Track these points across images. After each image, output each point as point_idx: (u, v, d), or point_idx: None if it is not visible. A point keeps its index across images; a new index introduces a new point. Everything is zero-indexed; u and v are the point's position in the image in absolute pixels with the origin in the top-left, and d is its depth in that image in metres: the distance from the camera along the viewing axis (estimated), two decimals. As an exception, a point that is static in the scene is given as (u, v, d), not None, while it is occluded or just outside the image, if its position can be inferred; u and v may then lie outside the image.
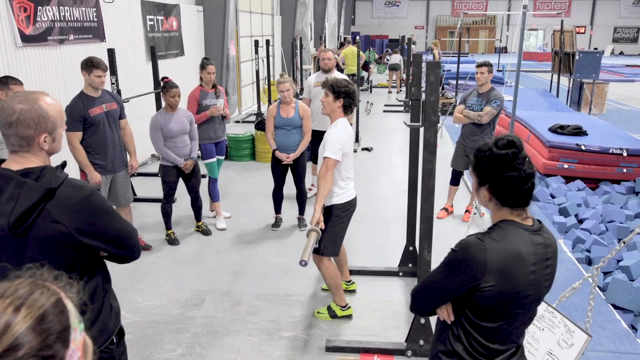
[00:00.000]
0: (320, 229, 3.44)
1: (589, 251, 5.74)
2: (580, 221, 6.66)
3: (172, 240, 5.33)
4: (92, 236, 1.78)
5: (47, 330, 0.82)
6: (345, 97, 3.58)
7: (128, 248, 1.91)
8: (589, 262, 5.57)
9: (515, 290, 1.73)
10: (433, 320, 3.42)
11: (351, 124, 6.10)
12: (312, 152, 6.28)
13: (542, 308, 2.94)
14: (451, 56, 17.03)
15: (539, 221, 1.85)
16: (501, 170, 1.74)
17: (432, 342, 2.02)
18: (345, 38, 19.40)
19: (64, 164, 1.88)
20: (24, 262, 1.73)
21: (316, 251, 3.67)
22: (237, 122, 11.64)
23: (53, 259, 1.70)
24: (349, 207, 3.73)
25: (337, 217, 3.69)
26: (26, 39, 5.62)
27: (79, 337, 0.89)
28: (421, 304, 1.96)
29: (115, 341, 2.00)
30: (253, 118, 11.70)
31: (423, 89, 3.69)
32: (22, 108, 1.69)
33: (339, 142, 3.52)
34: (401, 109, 13.78)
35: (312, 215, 3.46)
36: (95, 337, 1.84)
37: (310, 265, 3.80)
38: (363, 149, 9.41)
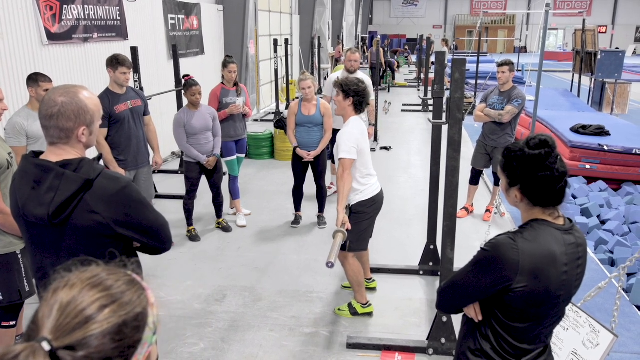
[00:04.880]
0: (347, 230, 3.46)
1: (611, 252, 5.67)
2: (603, 222, 6.58)
3: (193, 237, 5.38)
4: (128, 227, 1.81)
5: (116, 341, 0.81)
6: (355, 95, 3.62)
7: (161, 239, 1.94)
8: (612, 263, 5.51)
9: (547, 291, 1.71)
10: (455, 318, 3.42)
11: (375, 124, 6.12)
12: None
13: (566, 307, 2.92)
14: (470, 56, 16.91)
15: (570, 220, 1.82)
16: (534, 170, 1.70)
17: (459, 339, 2.00)
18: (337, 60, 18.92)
19: (99, 157, 1.92)
20: (62, 251, 1.78)
21: (342, 248, 3.70)
22: (256, 120, 11.69)
23: (90, 249, 1.73)
24: (374, 202, 3.74)
25: (363, 214, 3.71)
26: (52, 37, 5.72)
27: (144, 352, 0.87)
28: (448, 302, 1.93)
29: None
30: (271, 117, 11.75)
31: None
32: (63, 101, 1.73)
33: (351, 140, 3.55)
34: (419, 108, 13.73)
35: (337, 217, 3.50)
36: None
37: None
38: (382, 148, 9.40)
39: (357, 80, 3.67)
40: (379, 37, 14.09)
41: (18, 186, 1.79)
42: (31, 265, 1.93)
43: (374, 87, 6.35)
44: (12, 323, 3.09)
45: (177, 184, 7.10)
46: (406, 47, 31.63)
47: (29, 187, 1.74)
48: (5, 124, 3.77)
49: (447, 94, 4.82)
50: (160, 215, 1.96)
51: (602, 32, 38.68)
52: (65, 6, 5.92)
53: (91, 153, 2.03)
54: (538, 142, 1.71)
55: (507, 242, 1.70)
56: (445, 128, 3.65)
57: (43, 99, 1.77)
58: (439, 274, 3.97)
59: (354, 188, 3.68)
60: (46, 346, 0.76)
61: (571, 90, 14.62)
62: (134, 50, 6.26)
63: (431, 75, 14.06)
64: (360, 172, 3.67)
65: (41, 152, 1.82)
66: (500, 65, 5.68)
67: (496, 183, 5.92)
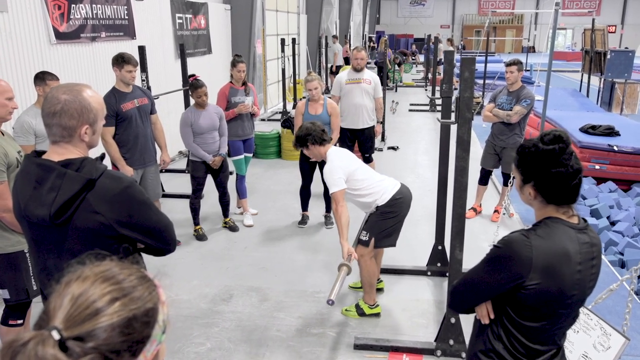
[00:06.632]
0: (373, 226, 3.47)
1: (622, 254, 5.60)
2: (613, 223, 6.51)
3: (200, 236, 5.37)
4: (131, 227, 1.79)
5: (125, 335, 0.81)
6: (309, 139, 3.80)
7: (165, 240, 1.92)
8: (622, 264, 5.44)
9: (560, 290, 1.68)
10: (464, 320, 3.39)
11: (383, 122, 6.02)
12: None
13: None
14: (478, 55, 16.84)
15: (585, 219, 1.79)
16: (548, 166, 1.67)
17: (471, 340, 1.98)
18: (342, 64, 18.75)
19: (102, 156, 1.90)
20: (64, 252, 1.76)
21: (366, 244, 3.71)
22: (263, 120, 11.69)
23: (92, 250, 1.71)
24: (395, 201, 3.73)
25: (389, 212, 3.72)
26: (60, 36, 5.73)
27: (152, 349, 0.87)
28: (461, 301, 1.91)
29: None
30: (279, 116, 11.74)
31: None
32: (66, 98, 1.71)
33: (334, 173, 3.62)
34: (427, 108, 13.67)
35: (342, 250, 3.50)
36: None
37: (337, 263, 3.78)
38: (389, 148, 9.36)
39: (301, 129, 3.87)
40: (386, 37, 14.06)
41: (20, 186, 1.77)
42: (34, 266, 1.91)
43: (381, 85, 6.33)
44: (19, 322, 3.09)
45: (184, 183, 7.10)
46: (414, 49, 31.29)
47: (31, 187, 1.72)
48: (14, 123, 3.78)
49: (455, 93, 4.79)
50: (164, 216, 1.93)
51: (612, 32, 38.35)
52: (73, 5, 5.92)
53: (95, 153, 2.02)
54: (552, 138, 1.69)
55: (520, 239, 1.68)
56: (453, 128, 3.61)
57: (46, 96, 1.75)
58: (447, 274, 3.94)
59: (367, 203, 3.72)
60: (56, 335, 0.77)
61: (580, 90, 14.52)
62: (141, 50, 6.26)
63: (439, 75, 14.02)
64: (364, 189, 3.71)
65: (43, 152, 1.80)
66: (508, 64, 5.63)
67: (505, 183, 5.87)
